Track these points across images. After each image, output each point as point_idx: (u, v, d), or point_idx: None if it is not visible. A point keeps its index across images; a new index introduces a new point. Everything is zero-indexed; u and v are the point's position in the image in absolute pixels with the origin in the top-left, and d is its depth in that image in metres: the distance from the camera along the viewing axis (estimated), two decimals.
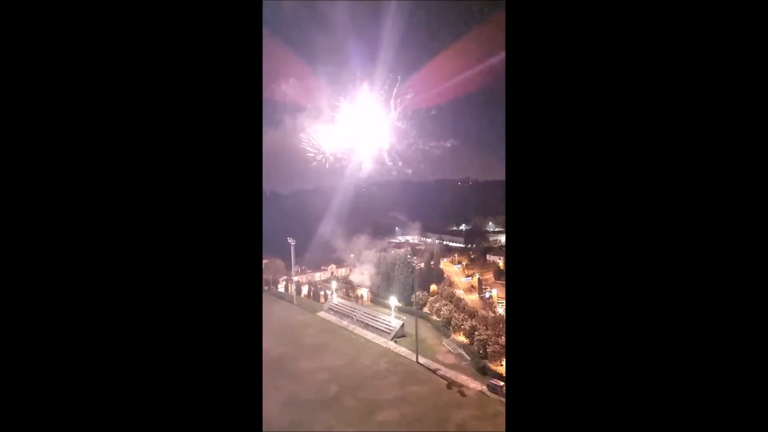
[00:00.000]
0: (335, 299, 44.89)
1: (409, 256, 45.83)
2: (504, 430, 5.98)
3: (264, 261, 47.22)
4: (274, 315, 40.90)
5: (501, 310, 38.47)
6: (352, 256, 56.26)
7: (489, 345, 29.31)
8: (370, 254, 51.24)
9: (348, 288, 49.54)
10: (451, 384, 26.13)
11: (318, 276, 55.99)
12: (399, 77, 49.82)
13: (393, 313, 38.30)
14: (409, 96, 50.47)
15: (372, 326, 36.52)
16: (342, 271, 56.86)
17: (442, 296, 40.87)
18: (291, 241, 47.58)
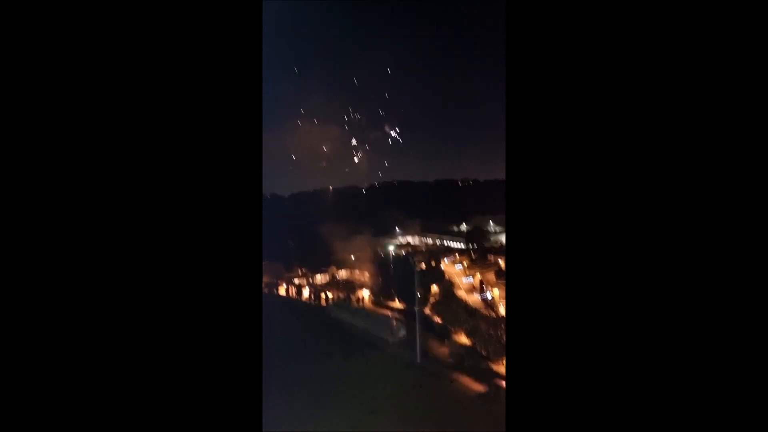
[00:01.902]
0: (335, 300, 44.86)
1: (409, 257, 45.81)
2: (504, 430, 5.97)
3: (264, 263, 47.12)
4: (274, 316, 40.82)
5: (503, 310, 38.43)
6: (352, 257, 56.18)
7: (490, 345, 29.27)
8: (370, 255, 51.17)
9: (348, 289, 49.46)
10: (451, 384, 26.08)
11: (318, 278, 55.92)
12: None
13: (393, 314, 38.21)
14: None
15: (372, 327, 36.44)
16: (342, 273, 56.77)
17: (443, 297, 40.80)
18: (291, 243, 47.50)
